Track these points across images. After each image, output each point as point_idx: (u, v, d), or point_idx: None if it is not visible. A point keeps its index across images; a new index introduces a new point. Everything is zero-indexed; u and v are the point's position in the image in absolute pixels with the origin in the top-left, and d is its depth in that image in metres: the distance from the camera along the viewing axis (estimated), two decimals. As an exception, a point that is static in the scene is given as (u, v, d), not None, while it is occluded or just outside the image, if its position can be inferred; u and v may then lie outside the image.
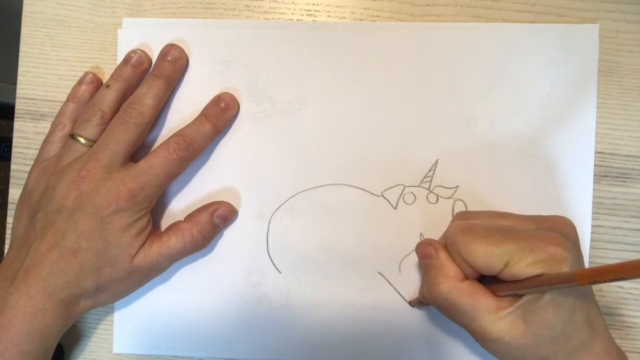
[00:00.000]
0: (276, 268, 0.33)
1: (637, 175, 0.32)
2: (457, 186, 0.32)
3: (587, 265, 0.32)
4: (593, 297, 0.26)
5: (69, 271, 0.28)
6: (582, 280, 0.22)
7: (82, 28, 0.35)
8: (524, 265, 0.24)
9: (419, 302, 0.32)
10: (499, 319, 0.25)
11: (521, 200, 0.32)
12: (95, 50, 0.35)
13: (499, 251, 0.25)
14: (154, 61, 0.33)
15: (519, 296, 0.25)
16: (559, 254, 0.24)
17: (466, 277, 0.27)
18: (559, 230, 0.26)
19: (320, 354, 0.33)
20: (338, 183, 0.33)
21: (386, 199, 0.33)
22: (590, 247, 0.32)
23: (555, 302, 0.24)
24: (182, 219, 0.32)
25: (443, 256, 0.28)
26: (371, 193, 0.33)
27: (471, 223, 0.28)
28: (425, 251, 0.29)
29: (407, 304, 0.33)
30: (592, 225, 0.32)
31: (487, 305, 0.26)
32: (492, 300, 0.26)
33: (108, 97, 0.31)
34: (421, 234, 0.32)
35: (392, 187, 0.33)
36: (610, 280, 0.20)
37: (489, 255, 0.25)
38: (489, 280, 0.27)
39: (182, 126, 0.32)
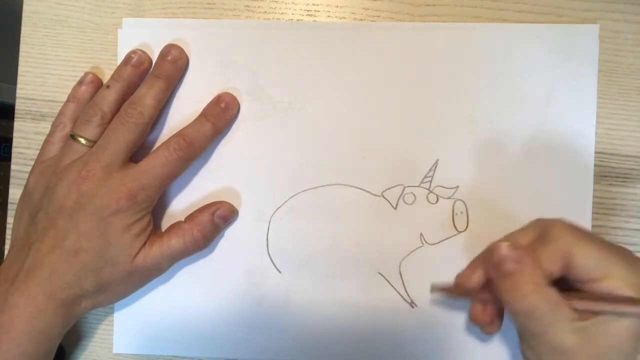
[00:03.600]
0: (276, 268, 0.33)
1: (637, 175, 0.32)
2: (457, 186, 0.32)
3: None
4: None
5: (69, 271, 0.28)
6: None
7: (82, 28, 0.35)
8: (625, 283, 0.24)
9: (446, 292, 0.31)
10: (575, 330, 0.25)
11: (521, 200, 0.32)
12: (95, 50, 0.35)
13: (610, 260, 0.25)
14: (154, 61, 0.33)
15: (596, 313, 0.25)
16: None
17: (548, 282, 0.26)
18: None
19: (320, 354, 0.33)
20: (338, 183, 0.33)
21: (386, 199, 0.33)
22: (590, 247, 0.32)
23: (631, 329, 0.24)
24: (183, 219, 0.32)
25: (530, 261, 0.26)
26: (371, 193, 0.33)
27: (580, 226, 0.27)
28: (510, 255, 0.26)
29: (407, 304, 0.33)
30: (592, 225, 0.32)
31: (567, 315, 0.25)
32: (571, 310, 0.25)
33: (108, 98, 0.31)
34: (421, 234, 0.32)
35: (392, 187, 0.33)
36: None
37: (598, 260, 0.25)
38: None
39: (182, 126, 0.32)
